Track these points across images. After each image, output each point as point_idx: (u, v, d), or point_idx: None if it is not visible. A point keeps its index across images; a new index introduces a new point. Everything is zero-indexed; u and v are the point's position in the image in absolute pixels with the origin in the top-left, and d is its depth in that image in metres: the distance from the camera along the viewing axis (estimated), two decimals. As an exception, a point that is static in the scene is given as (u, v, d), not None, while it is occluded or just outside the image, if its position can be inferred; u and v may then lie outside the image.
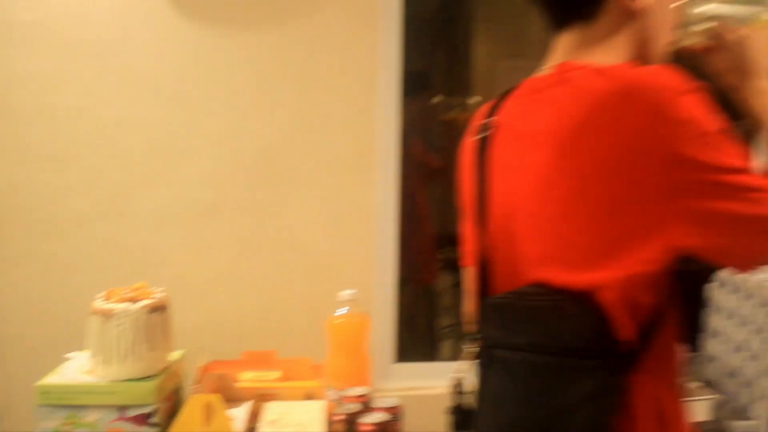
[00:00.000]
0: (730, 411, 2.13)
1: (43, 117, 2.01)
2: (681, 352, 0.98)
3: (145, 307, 1.52)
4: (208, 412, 1.49)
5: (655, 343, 0.90)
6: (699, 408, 2.06)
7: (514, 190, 0.95)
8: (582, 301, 0.86)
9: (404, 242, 2.29)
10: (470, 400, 1.00)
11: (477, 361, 0.97)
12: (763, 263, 0.90)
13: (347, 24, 2.09)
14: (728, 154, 0.84)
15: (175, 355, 1.68)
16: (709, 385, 2.23)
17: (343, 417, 1.54)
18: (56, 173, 2.01)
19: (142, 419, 1.50)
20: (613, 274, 0.85)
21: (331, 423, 1.56)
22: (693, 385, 2.12)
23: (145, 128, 2.04)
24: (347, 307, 1.75)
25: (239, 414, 1.64)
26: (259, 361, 1.81)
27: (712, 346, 2.28)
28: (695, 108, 0.84)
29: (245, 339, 1.91)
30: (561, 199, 0.88)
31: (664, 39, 1.03)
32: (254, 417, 1.65)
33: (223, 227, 2.07)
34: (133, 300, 1.53)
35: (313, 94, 2.09)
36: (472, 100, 3.59)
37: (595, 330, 0.86)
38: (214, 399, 1.50)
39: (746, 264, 0.91)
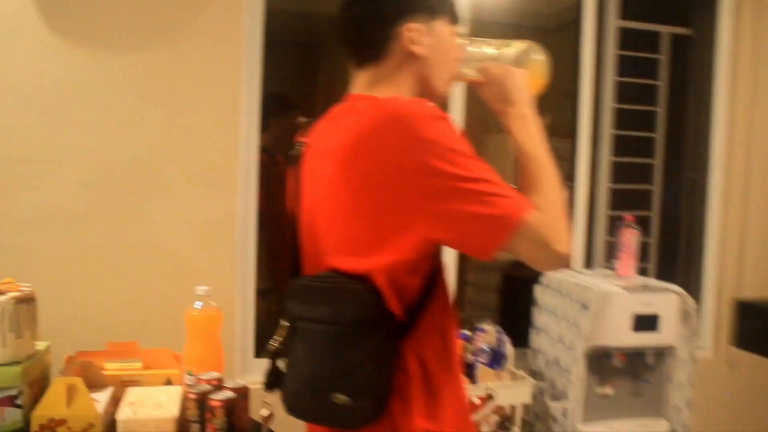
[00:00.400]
0: (550, 395, 2.48)
1: None
2: (453, 325, 1.22)
3: (12, 298, 1.67)
4: (71, 394, 1.65)
5: (425, 317, 1.13)
6: (525, 393, 2.38)
7: (314, 197, 1.19)
8: (361, 282, 1.09)
9: (271, 255, 2.52)
10: (281, 365, 1.24)
11: (287, 332, 1.21)
12: (496, 251, 1.07)
13: (212, 47, 2.31)
14: (467, 167, 1.04)
15: (41, 345, 1.83)
16: (536, 374, 2.58)
17: (194, 396, 1.74)
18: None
19: (8, 401, 1.64)
20: (382, 260, 1.09)
21: (185, 401, 1.76)
22: (522, 373, 2.44)
23: (16, 137, 2.18)
24: (202, 302, 1.95)
25: (102, 398, 1.81)
26: (123, 351, 1.98)
27: (538, 339, 2.63)
28: (441, 131, 1.06)
29: (110, 332, 2.07)
30: (343, 202, 1.12)
31: (444, 76, 1.25)
32: (116, 401, 1.83)
33: (92, 231, 2.23)
34: (1, 292, 1.68)
35: (180, 111, 2.29)
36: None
37: (372, 305, 1.09)
38: (77, 381, 1.66)
39: (482, 253, 1.08)
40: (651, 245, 3.06)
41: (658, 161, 3.05)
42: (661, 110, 3.02)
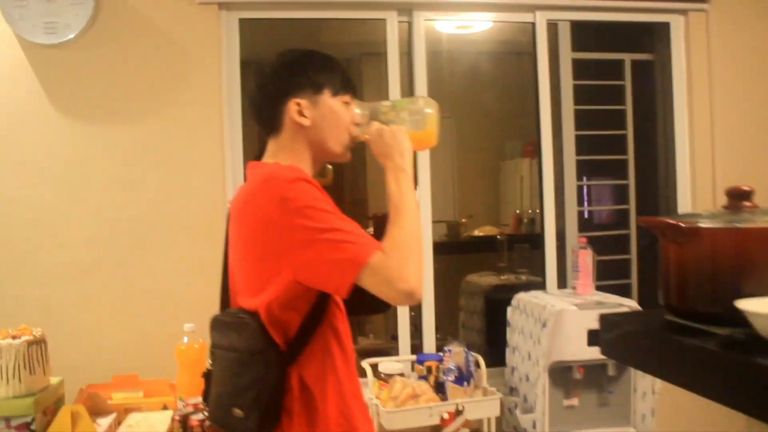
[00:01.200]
0: (522, 409, 2.68)
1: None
2: (340, 352, 1.40)
3: (24, 341, 2.01)
4: (75, 420, 1.97)
5: (307, 347, 1.34)
6: (494, 407, 2.58)
7: (230, 247, 1.46)
8: (251, 317, 1.32)
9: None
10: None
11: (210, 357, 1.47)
12: (349, 288, 1.24)
13: (197, 113, 2.64)
14: (321, 219, 1.25)
15: (55, 380, 2.16)
16: (513, 389, 2.78)
17: (178, 418, 2.04)
18: (-38, 243, 2.51)
19: (24, 427, 1.96)
20: (264, 299, 1.31)
21: (172, 422, 2.06)
22: (492, 389, 2.64)
23: (33, 205, 2.55)
24: (188, 338, 2.26)
25: (105, 422, 2.12)
26: (126, 383, 2.30)
27: (512, 357, 2.84)
28: (300, 191, 1.28)
29: (117, 366, 2.38)
30: (240, 252, 1.39)
31: (336, 140, 1.46)
32: (117, 425, 2.14)
33: (100, 281, 2.57)
34: (15, 337, 2.02)
35: (173, 171, 2.62)
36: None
37: (258, 336, 1.31)
38: (80, 408, 1.98)
39: (338, 291, 1.28)
40: (631, 262, 3.23)
41: (631, 180, 3.23)
42: (629, 133, 3.20)
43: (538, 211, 3.13)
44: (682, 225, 1.25)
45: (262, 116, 1.49)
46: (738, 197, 1.25)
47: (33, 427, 1.97)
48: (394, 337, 3.02)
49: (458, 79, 4.79)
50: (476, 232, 4.41)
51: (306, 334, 1.35)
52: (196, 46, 2.66)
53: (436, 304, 3.00)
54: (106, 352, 2.51)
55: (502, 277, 3.57)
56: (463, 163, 5.10)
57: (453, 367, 2.52)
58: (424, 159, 2.90)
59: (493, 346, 2.84)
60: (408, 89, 2.85)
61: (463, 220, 4.60)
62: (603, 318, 1.53)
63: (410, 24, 2.88)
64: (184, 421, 2.03)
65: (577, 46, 3.01)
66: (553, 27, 2.99)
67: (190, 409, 2.08)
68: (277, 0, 2.76)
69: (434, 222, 4.66)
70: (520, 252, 3.67)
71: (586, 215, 3.36)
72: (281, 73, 1.48)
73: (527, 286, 3.15)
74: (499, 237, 3.77)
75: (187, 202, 2.63)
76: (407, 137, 1.44)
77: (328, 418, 1.36)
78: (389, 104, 1.55)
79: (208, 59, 2.66)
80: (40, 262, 2.54)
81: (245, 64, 2.77)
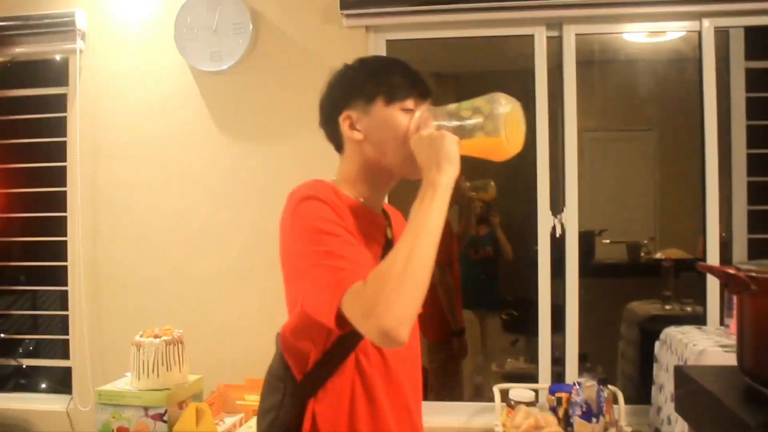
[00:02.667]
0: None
1: (126, 208, 2.87)
2: (374, 406, 1.28)
3: (164, 341, 2.25)
4: (199, 416, 2.16)
5: (325, 384, 1.25)
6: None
7: None
8: (278, 341, 1.33)
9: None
10: None
11: None
12: (332, 317, 1.12)
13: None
14: (322, 243, 1.15)
15: (194, 377, 2.38)
16: (657, 431, 2.55)
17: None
18: (135, 248, 2.86)
19: (159, 417, 2.20)
20: (287, 324, 1.30)
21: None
22: (627, 428, 2.45)
23: (198, 216, 2.83)
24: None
25: (231, 421, 2.30)
26: (256, 385, 2.46)
27: (658, 397, 2.60)
28: (306, 211, 1.21)
29: (250, 369, 2.56)
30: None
31: (392, 153, 1.29)
32: (240, 424, 2.31)
33: (249, 288, 2.78)
34: (158, 336, 2.27)
35: (317, 188, 2.77)
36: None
37: (279, 362, 1.32)
38: (204, 406, 2.17)
39: (324, 318, 1.15)
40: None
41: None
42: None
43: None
44: (741, 275, 1.09)
45: (327, 136, 1.42)
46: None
47: (165, 417, 2.20)
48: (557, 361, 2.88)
49: (656, 89, 4.48)
50: (658, 255, 4.07)
51: (323, 369, 1.27)
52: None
53: (598, 331, 2.82)
54: (242, 354, 2.70)
55: (666, 307, 3.27)
56: (666, 179, 4.75)
57: (580, 401, 2.37)
58: (571, 170, 2.73)
59: (648, 381, 2.62)
60: (554, 105, 2.74)
61: (645, 241, 4.27)
62: (678, 371, 1.39)
63: (560, 38, 2.76)
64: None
65: (750, 53, 2.68)
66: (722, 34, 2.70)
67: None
68: (423, 21, 2.79)
69: (612, 242, 4.43)
70: (689, 280, 3.33)
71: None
72: (334, 87, 1.39)
73: (690, 319, 2.86)
74: (664, 262, 3.46)
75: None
76: (454, 146, 1.22)
77: None
78: (454, 107, 1.31)
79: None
80: (195, 268, 2.82)
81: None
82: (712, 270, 1.17)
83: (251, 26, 2.77)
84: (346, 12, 2.71)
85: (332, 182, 1.36)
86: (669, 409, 2.43)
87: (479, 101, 1.28)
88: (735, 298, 1.15)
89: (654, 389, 2.61)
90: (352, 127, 1.34)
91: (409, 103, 1.31)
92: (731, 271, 1.09)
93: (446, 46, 3.27)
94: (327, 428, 1.27)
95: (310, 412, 1.27)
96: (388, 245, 1.35)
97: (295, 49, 2.80)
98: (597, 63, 4.35)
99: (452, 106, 1.30)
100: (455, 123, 1.27)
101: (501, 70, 4.43)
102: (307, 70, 2.79)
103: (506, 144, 1.24)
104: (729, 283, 1.10)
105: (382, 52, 2.83)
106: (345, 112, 1.34)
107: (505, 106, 1.25)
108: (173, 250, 2.85)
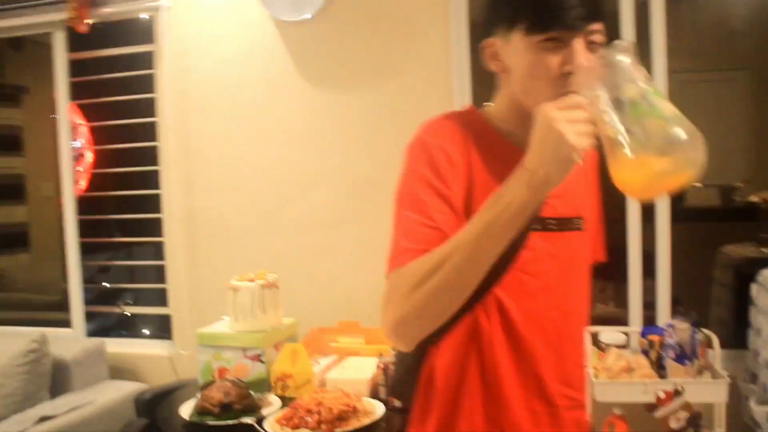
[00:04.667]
0: (758, 399, 2.38)
1: (216, 160, 2.96)
2: (478, 360, 1.20)
3: (259, 284, 2.33)
4: (294, 357, 2.24)
5: (443, 339, 1.17)
6: (719, 392, 2.33)
7: None
8: None
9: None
10: None
11: None
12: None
13: (426, 78, 2.73)
14: (410, 192, 1.12)
15: (288, 320, 2.46)
16: (753, 377, 2.48)
17: (382, 365, 2.20)
18: (227, 198, 2.95)
19: (256, 357, 2.29)
20: None
21: (377, 369, 2.23)
22: (723, 373, 2.39)
23: (287, 165, 2.89)
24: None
25: (325, 362, 2.37)
26: (348, 329, 2.53)
27: (756, 341, 2.52)
28: (414, 156, 1.15)
29: (342, 313, 2.62)
30: None
31: (531, 96, 1.09)
32: (334, 365, 2.38)
33: (338, 234, 2.83)
34: (252, 280, 2.34)
35: (402, 134, 2.74)
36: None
37: None
38: (299, 347, 2.25)
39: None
40: None
41: None
42: None
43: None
44: None
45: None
46: None
47: (262, 358, 2.29)
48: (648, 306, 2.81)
49: (748, 26, 4.26)
50: (753, 198, 3.92)
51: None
52: (425, 13, 2.74)
53: (691, 276, 2.75)
54: (335, 299, 2.77)
55: (763, 250, 3.14)
56: (762, 120, 4.54)
57: (673, 344, 2.32)
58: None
59: (743, 325, 2.55)
60: (642, 45, 2.63)
61: (739, 184, 4.11)
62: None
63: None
64: (386, 368, 2.18)
65: None
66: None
67: (390, 357, 2.22)
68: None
69: (705, 186, 4.28)
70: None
71: None
72: (487, 7, 1.19)
73: (790, 262, 2.74)
74: (761, 204, 3.31)
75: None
76: (576, 158, 0.95)
77: (438, 419, 1.21)
78: (637, 94, 0.95)
79: (436, 26, 2.73)
80: (286, 215, 2.89)
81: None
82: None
83: (332, -27, 2.76)
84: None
85: (483, 111, 1.24)
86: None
87: (673, 116, 0.94)
88: None
89: (751, 333, 2.53)
90: (493, 57, 1.17)
91: (554, 35, 1.06)
92: None
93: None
94: (441, 383, 1.20)
95: (429, 362, 1.20)
96: None
97: (374, -4, 2.78)
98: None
99: (634, 92, 0.95)
100: (614, 120, 0.94)
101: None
102: (388, 15, 2.77)
103: (644, 186, 0.96)
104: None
105: (463, -2, 2.78)
106: (488, 38, 1.17)
107: (692, 152, 0.92)
108: (264, 198, 2.92)
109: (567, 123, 0.95)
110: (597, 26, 1.08)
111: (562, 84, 1.05)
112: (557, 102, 0.98)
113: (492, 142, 1.19)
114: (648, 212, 2.69)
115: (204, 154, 3.00)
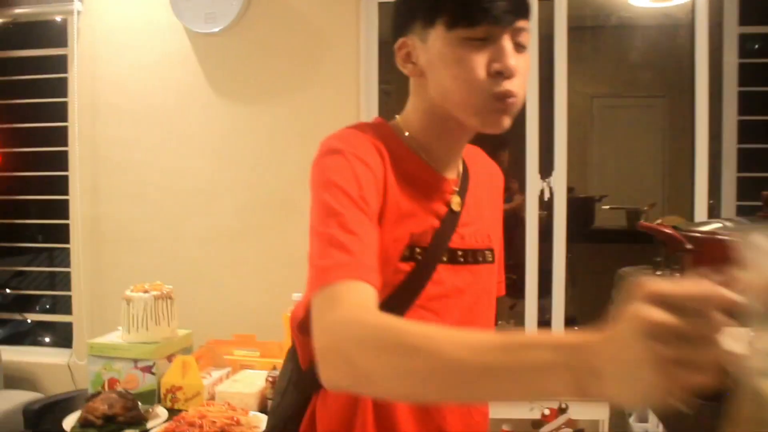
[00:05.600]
0: (637, 416, 2.48)
1: (124, 167, 2.93)
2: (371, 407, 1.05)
3: (153, 296, 2.31)
4: (185, 368, 2.23)
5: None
6: (602, 409, 2.43)
7: None
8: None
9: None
10: None
11: None
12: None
13: (335, 93, 2.78)
14: (325, 209, 0.93)
15: (183, 331, 2.45)
16: None
17: (271, 379, 2.21)
18: (133, 206, 2.92)
19: (147, 369, 2.27)
20: (301, 301, 1.01)
21: (266, 382, 2.24)
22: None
23: (193, 175, 2.89)
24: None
25: (217, 374, 2.37)
26: (244, 342, 2.53)
27: None
28: (322, 167, 0.98)
29: (238, 326, 2.62)
30: None
31: (457, 101, 0.98)
32: (227, 377, 2.38)
33: (240, 247, 2.84)
34: (147, 291, 2.33)
35: (309, 148, 2.76)
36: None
37: (293, 343, 1.14)
38: (190, 359, 2.24)
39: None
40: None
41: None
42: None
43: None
44: (678, 235, 1.13)
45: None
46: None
47: (154, 370, 2.27)
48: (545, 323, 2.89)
49: (666, 55, 4.45)
50: (657, 221, 4.07)
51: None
52: (336, 30, 2.79)
53: (592, 295, 2.84)
54: (232, 311, 2.77)
55: (657, 273, 3.26)
56: (677, 147, 4.72)
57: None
58: (560, 134, 2.73)
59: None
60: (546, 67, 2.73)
61: (645, 208, 4.28)
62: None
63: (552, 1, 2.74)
64: (275, 382, 2.19)
65: (744, 19, 2.65)
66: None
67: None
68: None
69: (611, 208, 4.43)
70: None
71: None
72: (397, 3, 1.08)
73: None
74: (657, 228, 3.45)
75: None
76: (661, 384, 0.55)
77: None
78: None
79: (346, 42, 2.78)
80: (190, 226, 2.89)
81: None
82: (651, 229, 1.20)
83: (244, -14, 2.79)
84: (338, -28, 2.72)
85: (393, 123, 1.11)
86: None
87: None
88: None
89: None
90: (406, 59, 1.04)
91: (481, 32, 0.95)
92: (668, 230, 1.12)
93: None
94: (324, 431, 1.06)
95: (310, 409, 1.07)
96: (449, 218, 1.06)
97: (287, 11, 2.81)
98: (609, 28, 4.30)
99: None
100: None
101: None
102: (299, 31, 2.81)
103: None
104: (667, 243, 1.12)
105: (374, 16, 2.84)
106: (402, 38, 1.04)
107: None
108: (169, 208, 2.91)
109: (674, 366, 0.55)
110: (525, 24, 0.98)
111: (489, 86, 0.95)
112: (663, 317, 0.56)
113: (402, 157, 1.04)
114: (546, 232, 2.79)
115: (111, 161, 2.97)
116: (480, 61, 0.95)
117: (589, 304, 2.97)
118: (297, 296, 2.43)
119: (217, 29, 2.82)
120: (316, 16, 2.79)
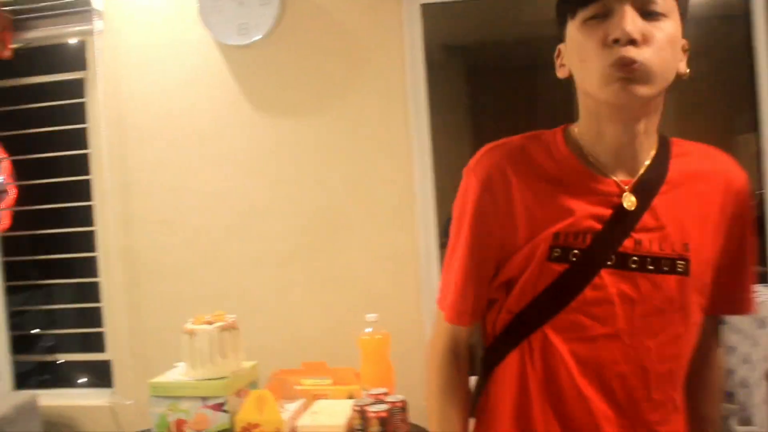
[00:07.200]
0: (739, 419, 2.36)
1: (157, 193, 2.76)
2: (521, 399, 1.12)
3: (218, 327, 2.14)
4: (261, 403, 2.06)
5: (496, 370, 1.14)
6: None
7: None
8: None
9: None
10: None
11: None
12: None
13: (382, 103, 2.62)
14: (452, 234, 1.13)
15: (248, 363, 2.28)
16: (730, 395, 2.46)
17: (357, 408, 2.05)
18: (170, 234, 2.75)
19: (218, 407, 2.10)
20: None
21: (352, 413, 2.08)
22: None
23: (233, 197, 2.72)
24: (371, 328, 2.26)
25: (293, 407, 2.20)
26: (314, 370, 2.37)
27: (728, 360, 2.51)
28: (461, 187, 1.12)
29: (306, 353, 2.46)
30: None
31: (589, 80, 1.00)
32: (303, 410, 2.21)
33: (294, 269, 2.67)
34: (210, 323, 2.16)
35: (359, 160, 2.64)
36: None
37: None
38: (266, 393, 2.07)
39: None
40: None
41: None
42: None
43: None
44: None
45: None
46: None
47: (225, 407, 2.09)
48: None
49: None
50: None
51: (492, 353, 1.14)
52: (377, 34, 2.64)
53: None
54: (297, 338, 2.61)
55: None
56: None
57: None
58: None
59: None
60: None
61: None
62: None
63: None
64: (362, 412, 2.03)
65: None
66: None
67: (371, 400, 2.08)
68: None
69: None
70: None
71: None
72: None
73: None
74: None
75: (374, 191, 2.63)
76: None
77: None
78: None
79: (390, 48, 2.63)
80: (238, 251, 2.71)
81: (448, 49, 2.68)
82: None
83: (278, -5, 2.64)
84: (377, -25, 2.57)
85: (570, 127, 1.12)
86: (744, 372, 2.35)
87: None
88: None
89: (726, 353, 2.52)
90: (560, 64, 1.09)
91: (595, 8, 0.98)
92: None
93: (483, 9, 3.13)
94: (495, 405, 1.14)
95: (488, 385, 1.16)
96: (616, 221, 1.04)
97: (325, 18, 2.66)
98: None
99: None
100: None
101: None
102: (338, 38, 2.66)
103: None
104: None
105: (417, 18, 2.69)
106: (561, 43, 1.09)
107: None
108: (210, 233, 2.73)
109: None
110: None
111: (607, 56, 0.96)
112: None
113: (553, 162, 1.08)
114: None
115: (143, 187, 2.79)
116: (598, 36, 0.97)
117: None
118: (372, 317, 2.29)
119: (251, 41, 2.67)
120: (355, 21, 2.65)
